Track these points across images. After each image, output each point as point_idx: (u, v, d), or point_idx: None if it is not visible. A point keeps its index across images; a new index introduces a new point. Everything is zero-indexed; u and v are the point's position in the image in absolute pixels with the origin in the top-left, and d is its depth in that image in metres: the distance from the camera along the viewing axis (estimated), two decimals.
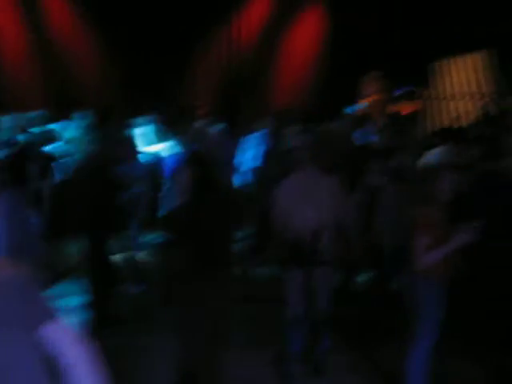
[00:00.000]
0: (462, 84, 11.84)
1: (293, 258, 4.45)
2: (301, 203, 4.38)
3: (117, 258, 6.17)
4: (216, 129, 8.78)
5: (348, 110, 9.98)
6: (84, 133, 6.87)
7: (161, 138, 8.44)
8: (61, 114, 8.41)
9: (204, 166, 3.98)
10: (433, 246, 3.84)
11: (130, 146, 7.41)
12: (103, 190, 5.37)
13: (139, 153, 7.65)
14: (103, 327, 4.91)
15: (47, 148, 6.82)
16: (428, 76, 12.39)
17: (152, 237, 7.11)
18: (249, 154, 7.79)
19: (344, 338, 5.24)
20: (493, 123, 9.25)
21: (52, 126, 7.68)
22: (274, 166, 6.90)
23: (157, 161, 8.10)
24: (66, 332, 1.92)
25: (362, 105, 11.40)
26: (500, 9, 9.84)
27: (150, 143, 8.33)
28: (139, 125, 8.37)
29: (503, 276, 4.65)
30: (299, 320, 4.50)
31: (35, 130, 7.41)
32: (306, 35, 12.90)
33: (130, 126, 8.00)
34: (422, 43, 11.72)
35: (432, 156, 6.39)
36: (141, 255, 7.03)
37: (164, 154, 8.11)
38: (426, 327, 4.02)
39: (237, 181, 7.76)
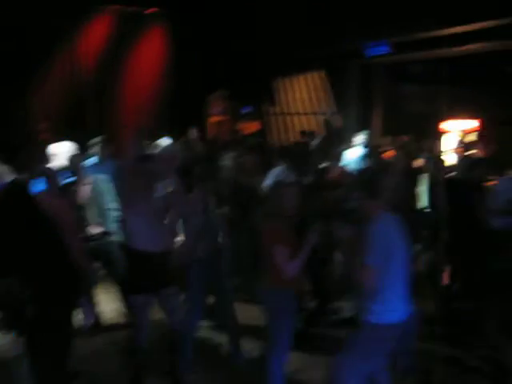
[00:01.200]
0: (301, 102, 12.37)
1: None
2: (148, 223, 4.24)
3: None
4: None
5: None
6: None
7: None
8: None
9: None
10: (292, 254, 3.96)
11: None
12: None
13: None
14: None
15: None
16: (272, 94, 12.79)
17: None
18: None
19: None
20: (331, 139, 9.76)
21: None
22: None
23: None
24: None
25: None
26: (330, 33, 10.45)
27: None
28: None
29: None
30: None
31: None
32: (151, 54, 12.80)
33: None
34: (264, 62, 12.10)
35: (274, 175, 6.55)
36: None
37: None
38: (279, 336, 4.06)
39: None
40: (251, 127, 12.75)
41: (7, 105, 11.39)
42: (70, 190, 5.46)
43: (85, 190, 5.71)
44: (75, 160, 5.95)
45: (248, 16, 11.52)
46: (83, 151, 7.24)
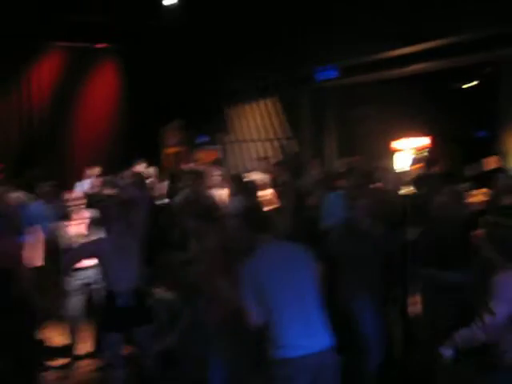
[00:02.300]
0: (255, 129, 12.45)
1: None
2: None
3: None
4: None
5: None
6: None
7: None
8: None
9: None
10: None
11: None
12: None
13: None
14: None
15: None
16: (226, 122, 12.85)
17: None
18: None
19: None
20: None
21: None
22: None
23: None
24: None
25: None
26: (280, 59, 10.61)
27: None
28: None
29: None
30: None
31: None
32: (103, 88, 12.77)
33: None
34: (216, 90, 12.18)
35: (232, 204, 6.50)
36: None
37: None
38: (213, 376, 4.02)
39: None
40: (209, 156, 12.72)
41: None
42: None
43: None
44: None
45: (199, 46, 11.60)
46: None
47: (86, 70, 12.56)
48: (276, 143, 11.91)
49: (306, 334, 3.23)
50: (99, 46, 12.46)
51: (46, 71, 12.25)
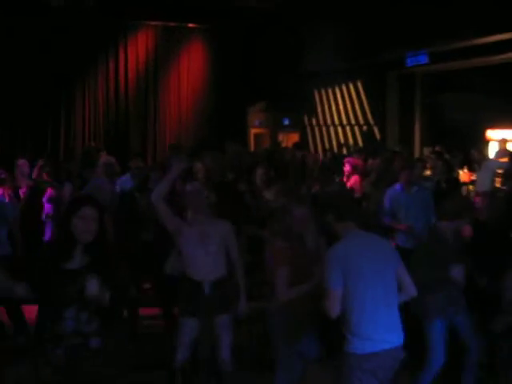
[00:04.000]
0: (337, 114, 12.28)
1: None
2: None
3: None
4: None
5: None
6: None
7: None
8: None
9: None
10: (293, 279, 3.83)
11: None
12: None
13: None
14: None
15: None
16: (308, 106, 12.76)
17: None
18: None
19: None
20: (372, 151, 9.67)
21: None
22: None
23: None
24: None
25: None
26: (369, 43, 10.34)
27: None
28: None
29: None
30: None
31: None
32: (192, 68, 12.98)
33: None
34: (301, 75, 12.09)
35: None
36: None
37: None
38: (282, 359, 3.92)
39: None
40: (291, 139, 12.73)
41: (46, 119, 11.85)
42: None
43: None
44: None
45: (289, 29, 11.56)
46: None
47: (175, 50, 12.80)
48: (359, 129, 11.70)
49: (388, 328, 3.17)
50: (189, 25, 12.66)
51: (136, 50, 12.58)
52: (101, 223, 2.93)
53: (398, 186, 5.44)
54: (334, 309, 3.14)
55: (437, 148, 8.71)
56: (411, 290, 3.32)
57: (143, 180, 6.19)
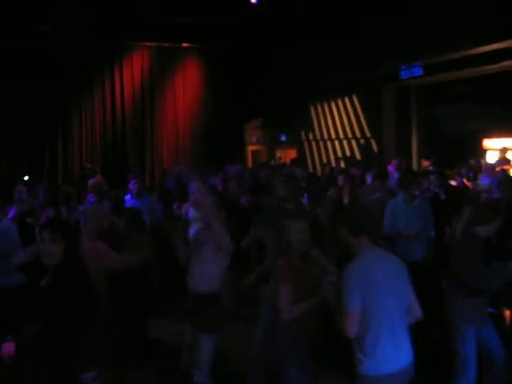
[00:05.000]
0: (334, 128, 12.30)
1: None
2: None
3: None
4: None
5: None
6: None
7: None
8: None
9: None
10: (297, 296, 3.77)
11: None
12: None
13: None
14: None
15: None
16: (304, 121, 12.78)
17: None
18: None
19: None
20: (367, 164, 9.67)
21: None
22: None
23: None
24: None
25: None
26: (363, 57, 10.38)
27: None
28: None
29: None
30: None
31: None
32: (187, 86, 13.05)
33: None
34: (296, 90, 12.13)
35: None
36: None
37: None
38: (289, 378, 3.91)
39: None
40: (289, 154, 12.74)
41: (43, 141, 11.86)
42: None
43: None
44: None
45: (282, 43, 11.61)
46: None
47: (170, 69, 12.89)
48: (356, 142, 11.72)
49: (401, 347, 3.13)
50: (183, 44, 12.74)
51: (131, 71, 12.67)
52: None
53: (399, 198, 5.42)
54: (351, 328, 3.07)
55: (430, 161, 8.70)
56: (418, 312, 3.24)
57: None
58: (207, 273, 4.06)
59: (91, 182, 7.87)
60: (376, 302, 3.07)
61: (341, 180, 6.94)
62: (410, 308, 3.22)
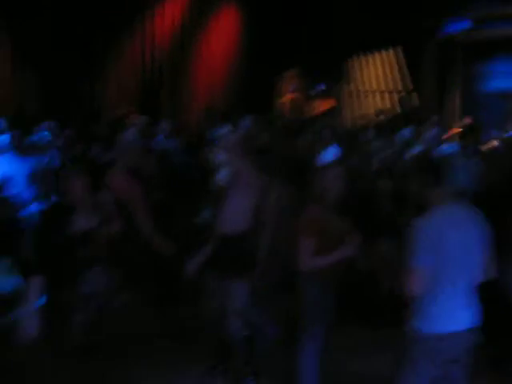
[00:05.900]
0: (375, 80, 12.06)
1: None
2: None
3: None
4: None
5: None
6: None
7: None
8: None
9: None
10: (320, 248, 3.76)
11: None
12: None
13: None
14: None
15: None
16: (344, 72, 12.57)
17: None
18: None
19: None
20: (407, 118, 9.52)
21: None
22: None
23: None
24: None
25: None
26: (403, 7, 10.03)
27: None
28: None
29: None
30: None
31: None
32: (222, 34, 12.84)
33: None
34: (340, 39, 11.86)
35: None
36: None
37: None
38: (311, 328, 3.83)
39: None
40: (325, 105, 12.60)
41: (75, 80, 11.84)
42: None
43: None
44: None
45: None
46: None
47: (205, 17, 12.66)
48: (395, 96, 11.51)
49: (464, 309, 3.00)
50: None
51: (165, 18, 12.45)
52: None
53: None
54: (419, 288, 2.92)
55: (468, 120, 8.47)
56: (492, 271, 3.10)
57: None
58: (237, 214, 4.00)
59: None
60: (445, 262, 2.91)
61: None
62: (484, 266, 3.05)
